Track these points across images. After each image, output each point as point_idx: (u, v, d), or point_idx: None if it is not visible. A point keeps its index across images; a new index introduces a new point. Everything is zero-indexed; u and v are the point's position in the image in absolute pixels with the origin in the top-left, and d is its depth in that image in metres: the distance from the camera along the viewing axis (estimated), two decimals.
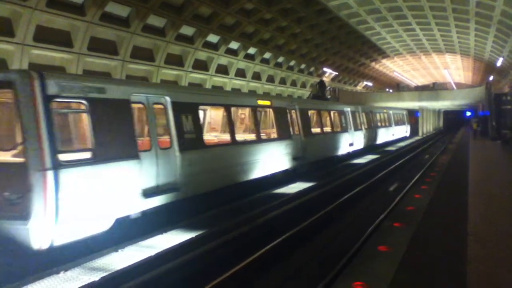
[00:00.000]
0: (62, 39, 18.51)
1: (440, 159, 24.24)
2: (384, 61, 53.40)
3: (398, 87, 67.61)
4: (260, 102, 15.36)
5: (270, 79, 37.28)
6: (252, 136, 14.79)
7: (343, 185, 16.23)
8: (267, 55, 34.23)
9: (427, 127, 60.81)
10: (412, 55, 51.98)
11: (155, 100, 10.06)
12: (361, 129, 26.28)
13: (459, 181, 14.52)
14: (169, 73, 25.35)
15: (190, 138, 10.69)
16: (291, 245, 9.63)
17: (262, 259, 8.46)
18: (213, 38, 27.27)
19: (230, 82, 31.44)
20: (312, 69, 43.27)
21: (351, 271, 6.64)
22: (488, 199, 11.32)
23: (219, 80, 30.12)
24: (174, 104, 10.42)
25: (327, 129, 21.33)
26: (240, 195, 13.23)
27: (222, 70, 30.34)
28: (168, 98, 10.31)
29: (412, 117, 55.24)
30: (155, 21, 22.37)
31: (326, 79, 44.25)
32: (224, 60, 29.93)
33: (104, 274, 6.83)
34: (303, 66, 41.21)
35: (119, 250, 8.07)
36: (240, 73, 32.69)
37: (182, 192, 10.31)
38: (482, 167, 17.97)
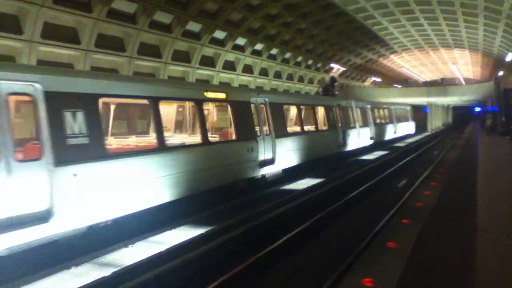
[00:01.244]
0: (69, 36, 18.57)
1: (450, 155, 24.12)
2: (392, 56, 53.05)
3: (407, 83, 67.21)
4: (209, 94, 12.17)
5: (278, 75, 37.21)
6: (194, 139, 12.08)
7: (351, 181, 16.19)
8: (274, 51, 34.15)
9: (436, 123, 60.44)
10: (420, 50, 51.57)
11: (13, 88, 7.01)
12: (354, 127, 23.85)
13: (469, 177, 14.43)
14: (176, 69, 25.37)
15: (79, 145, 7.71)
16: (299, 241, 9.62)
17: (269, 256, 8.46)
18: (219, 34, 27.25)
19: (237, 78, 31.42)
20: (319, 64, 43.11)
21: (360, 267, 6.63)
22: (497, 195, 11.24)
23: (226, 76, 30.11)
24: (51, 95, 7.43)
25: (309, 127, 18.54)
26: (249, 191, 13.26)
27: (229, 66, 30.32)
28: (39, 86, 7.31)
29: (420, 112, 54.89)
30: (161, 17, 22.37)
31: (333, 74, 44.10)
32: (231, 56, 29.91)
33: (115, 269, 6.89)
34: (310, 62, 41.06)
35: (129, 246, 8.12)
36: (248, 69, 32.67)
37: (61, 224, 7.32)
38: (491, 163, 17.85)
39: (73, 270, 6.96)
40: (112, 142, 10.42)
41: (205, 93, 11.91)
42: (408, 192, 14.12)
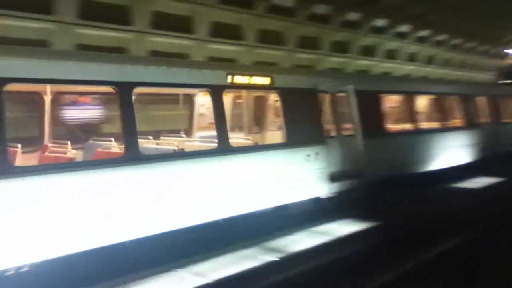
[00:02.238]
0: (233, 33, 19.72)
1: None
2: None
3: None
4: (237, 79, 8.14)
5: (445, 63, 34.34)
6: (205, 144, 8.41)
7: None
8: (440, 37, 31.60)
9: None
10: None
11: None
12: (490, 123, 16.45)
13: None
14: (334, 60, 25.07)
15: None
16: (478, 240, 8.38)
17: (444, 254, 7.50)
18: (379, 22, 26.23)
19: (400, 68, 29.91)
20: (494, 51, 38.54)
21: None
22: None
23: (386, 66, 28.84)
24: None
25: (431, 124, 13.72)
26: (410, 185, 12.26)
27: (390, 55, 28.98)
28: None
29: None
30: (319, 9, 22.44)
31: (510, 61, 39.12)
32: (392, 45, 28.58)
33: (282, 255, 6.94)
34: (484, 48, 36.94)
35: (291, 234, 8.13)
36: (410, 58, 30.86)
37: None
38: None
39: (240, 252, 7.13)
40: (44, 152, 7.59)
41: (229, 77, 7.96)
42: None
